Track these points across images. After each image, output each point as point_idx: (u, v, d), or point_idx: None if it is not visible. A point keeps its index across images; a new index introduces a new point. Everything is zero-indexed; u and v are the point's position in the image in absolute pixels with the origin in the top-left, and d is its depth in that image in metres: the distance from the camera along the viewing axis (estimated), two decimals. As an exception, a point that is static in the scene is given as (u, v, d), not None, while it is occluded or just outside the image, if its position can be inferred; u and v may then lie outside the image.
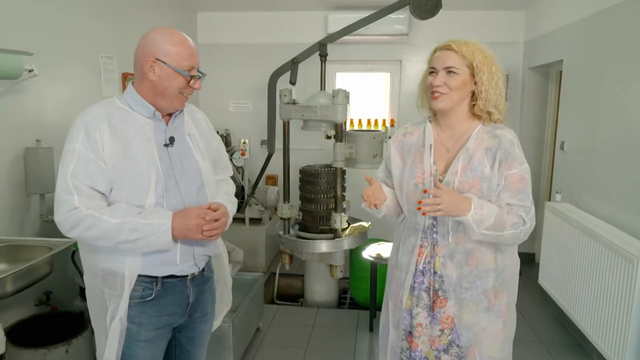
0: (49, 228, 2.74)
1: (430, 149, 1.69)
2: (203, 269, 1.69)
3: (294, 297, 4.15)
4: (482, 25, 4.66)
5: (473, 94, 1.63)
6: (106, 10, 3.40)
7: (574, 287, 3.07)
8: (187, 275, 1.61)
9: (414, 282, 1.72)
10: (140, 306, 1.54)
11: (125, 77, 3.59)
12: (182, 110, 1.62)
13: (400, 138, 1.79)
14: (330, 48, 4.03)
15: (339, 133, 3.47)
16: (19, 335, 2.39)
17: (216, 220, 1.51)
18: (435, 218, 1.66)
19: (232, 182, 1.85)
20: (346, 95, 3.44)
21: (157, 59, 1.48)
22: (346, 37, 4.11)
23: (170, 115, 1.59)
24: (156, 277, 1.55)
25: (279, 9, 4.79)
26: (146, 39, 1.52)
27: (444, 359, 1.71)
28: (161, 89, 1.50)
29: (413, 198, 1.67)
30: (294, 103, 3.58)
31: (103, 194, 1.45)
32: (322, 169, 3.68)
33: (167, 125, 1.58)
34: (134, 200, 1.47)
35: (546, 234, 3.60)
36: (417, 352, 1.72)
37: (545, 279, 3.61)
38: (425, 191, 1.59)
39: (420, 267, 1.70)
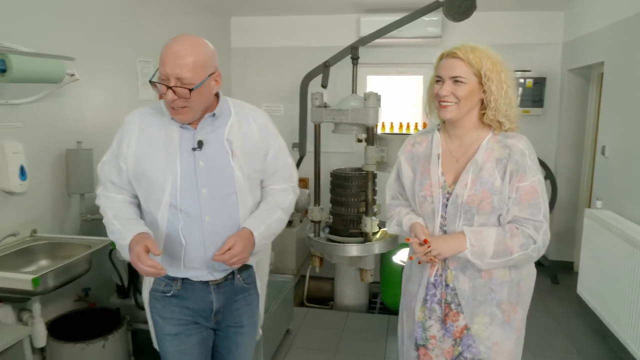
0: (88, 227, 2.84)
1: (438, 159, 1.64)
2: (232, 278, 1.65)
3: (324, 300, 4.14)
4: (518, 26, 4.55)
5: (482, 102, 1.56)
6: (143, 16, 3.50)
7: (615, 297, 2.95)
8: (208, 281, 1.61)
9: (427, 294, 1.68)
10: (163, 300, 1.62)
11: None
12: (214, 114, 1.55)
13: (410, 148, 1.73)
14: (362, 51, 4.03)
15: (371, 136, 3.45)
16: (58, 329, 2.48)
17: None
18: (444, 230, 1.61)
19: (292, 193, 1.75)
20: (378, 98, 3.43)
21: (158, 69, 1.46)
22: (378, 40, 4.11)
23: (201, 118, 1.56)
24: (176, 277, 1.59)
25: (311, 12, 4.81)
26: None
27: None
28: None
29: (422, 210, 1.65)
30: (325, 106, 3.59)
31: (121, 186, 1.60)
32: (353, 173, 3.67)
33: (196, 129, 1.54)
34: (151, 199, 1.55)
35: (585, 242, 3.47)
36: None
37: (585, 289, 3.47)
38: (407, 240, 1.61)
39: (432, 279, 1.66)
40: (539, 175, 1.54)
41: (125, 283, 2.73)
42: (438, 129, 1.68)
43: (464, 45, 1.54)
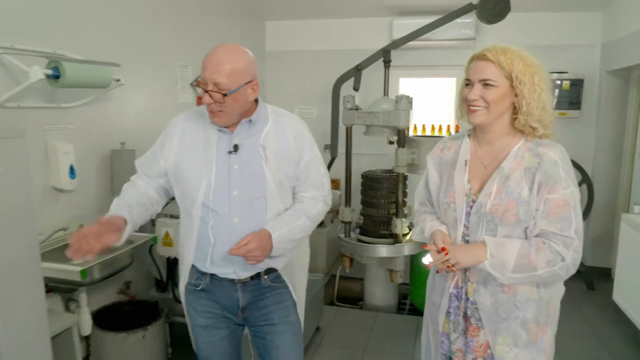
0: (130, 223, 2.99)
1: (465, 165, 1.56)
2: (258, 278, 1.69)
3: (354, 300, 4.20)
4: (554, 27, 4.48)
5: (514, 106, 1.47)
6: (183, 22, 3.65)
7: (652, 304, 2.88)
8: (233, 279, 1.68)
9: (449, 306, 1.61)
10: (194, 293, 1.73)
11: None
12: (250, 119, 1.62)
13: (438, 154, 1.67)
14: (394, 53, 4.06)
15: (401, 139, 3.49)
16: (102, 319, 2.64)
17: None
18: (467, 239, 1.54)
19: (321, 202, 1.76)
20: (409, 101, 3.45)
21: None
22: (411, 43, 4.13)
23: (238, 123, 1.63)
24: (206, 273, 1.68)
25: (344, 16, 4.88)
26: None
27: None
28: None
29: (446, 218, 1.59)
30: (357, 109, 3.64)
31: (152, 177, 1.72)
32: (384, 174, 3.71)
33: (233, 133, 1.61)
34: (186, 197, 1.64)
35: (622, 248, 3.39)
36: None
37: (621, 296, 3.39)
38: (425, 247, 1.56)
39: (453, 291, 1.59)
40: (572, 188, 1.43)
41: (164, 278, 2.87)
42: (468, 135, 1.61)
43: (495, 47, 1.46)
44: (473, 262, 1.46)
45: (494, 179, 1.48)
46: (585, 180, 4.30)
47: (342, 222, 3.81)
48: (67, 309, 2.45)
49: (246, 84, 1.54)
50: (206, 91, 1.51)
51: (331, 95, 4.18)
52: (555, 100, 4.52)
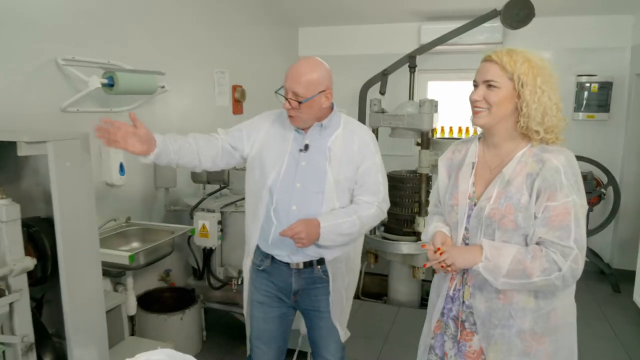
0: (171, 216, 3.28)
1: (472, 168, 1.56)
2: (312, 267, 1.89)
3: (378, 295, 4.36)
4: (583, 30, 4.49)
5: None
6: (220, 31, 3.90)
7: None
8: (289, 263, 1.91)
9: (444, 307, 1.61)
10: (256, 272, 1.99)
11: (234, 89, 4.10)
12: (322, 124, 1.84)
13: (449, 156, 1.67)
14: (422, 57, 4.21)
15: (425, 141, 3.64)
16: (145, 302, 2.93)
17: None
18: (467, 242, 1.54)
19: (375, 207, 1.88)
20: (433, 104, 3.60)
21: None
22: (439, 47, 4.25)
23: (311, 126, 1.86)
24: (268, 255, 1.92)
25: (373, 22, 5.04)
26: None
27: None
28: None
29: (449, 220, 1.60)
30: (383, 112, 3.82)
31: (227, 143, 1.91)
32: (408, 175, 3.86)
33: (306, 134, 1.86)
34: (259, 181, 1.88)
35: (645, 250, 3.42)
36: None
37: (642, 297, 3.42)
38: (423, 246, 1.56)
39: (451, 293, 1.59)
40: (574, 196, 1.38)
41: (200, 266, 3.13)
42: (479, 138, 1.60)
43: (502, 49, 1.45)
44: (468, 264, 1.45)
45: (495, 183, 1.47)
46: (611, 182, 4.31)
47: (368, 220, 3.99)
48: (116, 291, 2.75)
49: (320, 92, 1.78)
50: (286, 98, 1.77)
51: (358, 98, 4.36)
52: (575, 106, 4.54)
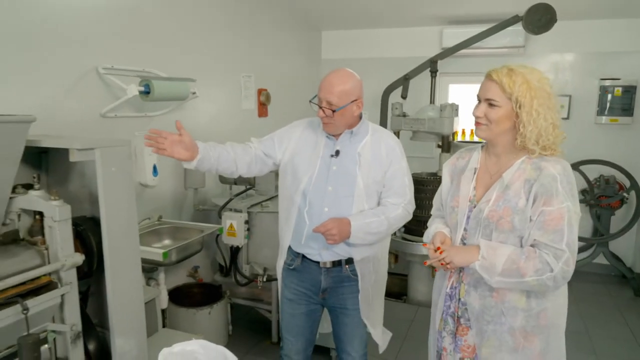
0: (200, 215, 3.44)
1: (474, 173, 1.66)
2: (340, 266, 2.01)
3: (398, 294, 4.45)
4: (606, 34, 4.48)
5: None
6: (246, 36, 4.04)
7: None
8: (318, 262, 2.03)
9: (444, 305, 1.70)
10: (287, 271, 2.13)
11: (260, 92, 4.23)
12: (352, 131, 1.96)
13: (454, 162, 1.76)
14: (444, 61, 4.27)
15: (445, 144, 3.72)
16: (175, 297, 3.09)
17: None
18: (464, 242, 1.63)
19: (402, 208, 1.99)
20: (454, 108, 3.67)
21: None
22: (461, 50, 4.31)
23: (341, 133, 1.98)
24: (299, 254, 2.05)
25: (395, 25, 5.11)
26: None
27: None
28: None
29: (450, 221, 1.69)
30: (404, 115, 3.90)
31: (260, 151, 2.06)
32: (429, 177, 3.94)
33: (337, 140, 1.98)
34: (292, 185, 2.01)
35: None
36: None
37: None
38: (424, 245, 1.67)
39: (448, 291, 1.68)
40: (568, 203, 1.47)
41: (227, 264, 3.28)
42: (482, 146, 1.71)
43: (503, 68, 1.52)
44: (465, 262, 1.55)
45: (495, 187, 1.57)
46: (634, 187, 4.30)
47: (388, 221, 4.08)
48: (148, 285, 2.91)
49: (352, 102, 1.91)
50: (320, 107, 1.90)
51: (380, 101, 4.45)
52: (600, 109, 4.53)
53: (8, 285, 1.53)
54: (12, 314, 1.54)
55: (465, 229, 1.62)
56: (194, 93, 3.08)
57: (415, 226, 3.95)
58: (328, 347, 3.00)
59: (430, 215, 3.74)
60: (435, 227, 1.74)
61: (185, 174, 3.33)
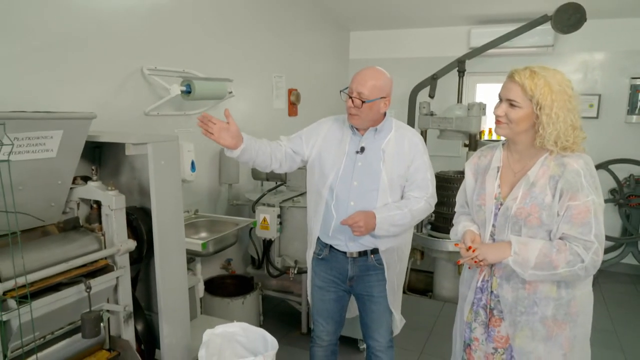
0: (233, 209, 3.59)
1: (497, 171, 1.70)
2: (366, 256, 2.12)
3: (424, 291, 4.52)
4: (636, 32, 4.45)
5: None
6: (278, 38, 4.18)
7: None
8: (345, 252, 2.14)
9: (474, 297, 1.76)
10: (317, 260, 2.24)
11: (290, 92, 4.37)
12: (376, 128, 2.05)
13: (476, 161, 1.81)
14: (473, 61, 4.30)
15: (472, 143, 3.77)
16: (209, 287, 3.23)
17: None
18: (494, 238, 1.68)
19: (424, 201, 2.07)
20: (481, 107, 3.72)
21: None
22: (490, 50, 4.34)
23: (367, 129, 2.07)
24: (326, 245, 2.16)
25: (424, 25, 5.17)
26: None
27: None
28: None
29: (477, 218, 1.74)
30: (432, 114, 3.97)
31: (289, 148, 2.16)
32: (455, 175, 4.00)
33: (362, 136, 2.08)
34: (320, 180, 2.12)
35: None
36: None
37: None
38: (456, 245, 1.71)
39: (479, 284, 1.74)
40: (593, 196, 1.52)
41: (260, 256, 3.41)
42: (503, 144, 1.75)
43: (526, 70, 1.56)
44: (498, 259, 1.60)
45: (521, 185, 1.62)
46: (665, 187, 4.26)
47: (415, 218, 4.16)
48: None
49: (381, 98, 2.01)
50: (350, 97, 1.99)
51: (408, 100, 4.52)
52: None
53: (73, 266, 1.69)
54: (75, 292, 1.70)
55: (493, 226, 1.68)
56: (230, 92, 3.22)
57: (442, 223, 4.02)
58: (356, 337, 3.11)
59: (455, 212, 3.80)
60: (463, 225, 1.78)
61: (220, 169, 3.48)
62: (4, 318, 1.47)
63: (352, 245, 2.12)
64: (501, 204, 1.66)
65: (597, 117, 4.63)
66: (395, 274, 2.19)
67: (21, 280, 1.48)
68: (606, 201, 4.49)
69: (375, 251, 2.12)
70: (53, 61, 2.24)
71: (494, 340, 1.71)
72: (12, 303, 1.50)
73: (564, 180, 1.54)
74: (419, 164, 2.08)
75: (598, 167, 4.24)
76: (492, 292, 1.70)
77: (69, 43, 2.30)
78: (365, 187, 2.06)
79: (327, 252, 2.18)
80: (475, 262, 1.63)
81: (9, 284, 1.48)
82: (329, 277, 2.22)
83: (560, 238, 1.56)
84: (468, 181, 1.81)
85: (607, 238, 4.68)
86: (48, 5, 2.20)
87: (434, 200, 2.15)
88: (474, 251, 1.62)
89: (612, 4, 4.13)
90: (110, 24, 2.53)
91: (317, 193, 2.16)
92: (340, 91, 2.07)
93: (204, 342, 1.86)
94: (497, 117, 1.62)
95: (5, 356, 1.50)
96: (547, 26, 4.41)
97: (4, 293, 1.48)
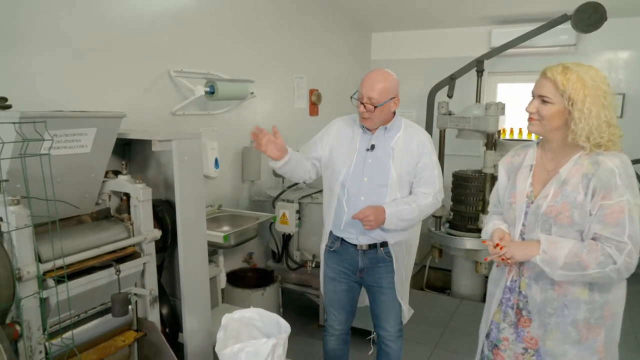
0: (255, 205, 3.73)
1: (530, 170, 1.68)
2: (376, 249, 2.22)
3: (442, 289, 4.58)
4: (664, 31, 4.39)
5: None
6: (300, 38, 4.30)
7: None
8: (356, 245, 2.24)
9: (503, 297, 1.74)
10: (329, 253, 2.35)
11: (311, 93, 4.49)
12: (386, 127, 2.16)
13: (509, 160, 1.79)
14: (493, 60, 4.33)
15: (490, 142, 3.81)
16: (231, 279, 3.38)
17: None
18: (523, 237, 1.66)
19: (432, 197, 2.17)
20: (499, 107, 3.76)
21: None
22: (510, 50, 4.35)
23: (377, 128, 2.18)
24: (338, 237, 2.27)
25: (445, 26, 5.21)
26: None
27: None
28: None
29: (508, 216, 1.73)
30: (450, 114, 4.03)
31: (310, 156, 2.28)
32: (473, 174, 4.05)
33: (373, 135, 2.18)
34: (332, 177, 2.23)
35: None
36: None
37: None
38: (484, 242, 1.70)
39: (508, 284, 1.72)
40: (628, 196, 1.47)
41: (280, 250, 3.55)
42: (537, 143, 1.73)
43: (558, 66, 1.54)
44: (526, 257, 1.57)
45: (552, 183, 1.59)
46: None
47: (434, 216, 4.22)
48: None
49: (391, 99, 2.13)
50: (362, 103, 2.11)
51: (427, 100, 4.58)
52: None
53: (105, 251, 1.86)
54: (106, 275, 1.87)
55: (523, 224, 1.66)
56: (252, 93, 3.37)
57: (460, 221, 4.07)
58: (369, 329, 3.20)
59: (477, 211, 3.85)
60: (493, 223, 1.77)
61: (242, 167, 3.64)
62: (44, 295, 1.64)
63: (363, 238, 2.22)
64: (532, 203, 1.64)
65: (621, 117, 4.58)
66: (404, 266, 2.28)
67: (59, 262, 1.65)
68: (629, 201, 4.44)
69: (384, 244, 2.22)
70: (88, 66, 2.43)
71: (524, 341, 1.69)
72: (50, 283, 1.67)
73: (597, 179, 1.50)
74: (426, 161, 2.18)
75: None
76: (520, 292, 1.68)
77: (102, 50, 2.49)
78: (375, 183, 2.16)
79: (339, 245, 2.29)
80: (503, 259, 1.61)
81: (48, 265, 1.65)
82: (341, 268, 2.32)
83: (593, 239, 1.51)
84: (501, 179, 1.79)
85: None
86: (84, 16, 2.39)
87: (441, 195, 2.24)
88: (501, 248, 1.60)
89: (635, 2, 4.09)
90: (140, 31, 2.71)
91: (330, 189, 2.28)
92: (351, 97, 2.18)
93: (223, 325, 1.99)
94: (529, 114, 1.61)
95: (44, 330, 1.67)
96: (569, 25, 4.41)
97: (44, 273, 1.65)
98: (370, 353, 2.52)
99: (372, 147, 2.18)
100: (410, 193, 2.21)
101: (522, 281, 1.67)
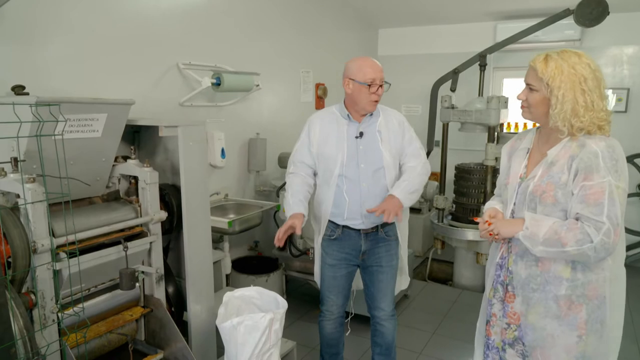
0: (261, 195, 3.85)
1: (527, 153, 1.76)
2: (377, 230, 2.33)
3: (444, 281, 4.64)
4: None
5: None
6: (307, 33, 4.40)
7: None
8: (360, 230, 2.33)
9: (494, 274, 1.81)
10: (329, 241, 2.40)
11: (317, 87, 4.59)
12: (371, 114, 2.26)
13: (512, 144, 1.87)
14: (499, 55, 4.39)
15: (491, 135, 3.87)
16: (237, 266, 3.50)
17: None
18: (514, 215, 1.74)
19: (420, 166, 2.32)
20: (501, 100, 3.81)
21: (350, 79, 2.25)
22: (516, 45, 4.41)
23: (364, 116, 2.28)
24: (338, 225, 2.35)
25: (450, 22, 5.26)
26: (345, 67, 2.30)
27: (508, 352, 1.77)
28: (354, 97, 2.26)
29: (504, 197, 1.81)
30: (453, 107, 4.09)
31: (309, 165, 2.36)
32: (475, 167, 4.11)
33: (360, 123, 2.28)
34: (326, 171, 2.30)
35: None
36: (491, 340, 1.84)
37: None
38: (475, 219, 1.81)
39: (499, 260, 1.80)
40: (610, 178, 1.51)
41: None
42: (538, 129, 1.80)
43: (542, 55, 1.61)
44: (511, 233, 1.66)
45: (541, 164, 1.66)
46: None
47: (436, 208, 4.29)
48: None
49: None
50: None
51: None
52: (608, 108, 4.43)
53: (114, 229, 1.98)
54: (115, 252, 2.00)
55: (514, 204, 1.73)
56: (257, 85, 3.48)
57: (462, 213, 4.14)
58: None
59: (479, 203, 3.90)
60: (489, 203, 1.89)
61: (248, 157, 3.75)
62: (57, 267, 1.76)
63: (367, 222, 2.32)
64: (521, 181, 1.73)
65: (625, 111, 4.60)
66: (405, 240, 2.48)
67: (71, 238, 1.77)
68: (632, 195, 4.46)
69: (384, 224, 2.32)
70: (101, 58, 2.56)
71: (507, 316, 1.76)
72: (63, 256, 1.80)
73: (579, 160, 1.56)
74: (408, 137, 2.35)
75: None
76: (508, 268, 1.75)
77: (114, 42, 2.62)
78: (372, 168, 2.27)
79: (340, 232, 2.37)
80: (490, 234, 1.72)
81: (61, 240, 1.78)
82: (342, 255, 2.40)
83: (576, 219, 1.57)
84: (503, 163, 1.87)
85: (633, 232, 4.66)
86: (97, 11, 2.53)
87: (428, 165, 2.39)
88: (489, 225, 1.71)
89: (640, -4, 4.12)
90: (150, 24, 2.84)
91: (326, 182, 2.33)
92: (360, 83, 2.19)
93: (224, 302, 2.10)
94: (521, 101, 1.69)
95: (57, 300, 1.79)
96: (572, 20, 4.44)
97: (57, 247, 1.78)
98: (347, 334, 2.64)
99: (361, 134, 2.27)
100: (400, 168, 2.34)
101: (510, 258, 1.75)
